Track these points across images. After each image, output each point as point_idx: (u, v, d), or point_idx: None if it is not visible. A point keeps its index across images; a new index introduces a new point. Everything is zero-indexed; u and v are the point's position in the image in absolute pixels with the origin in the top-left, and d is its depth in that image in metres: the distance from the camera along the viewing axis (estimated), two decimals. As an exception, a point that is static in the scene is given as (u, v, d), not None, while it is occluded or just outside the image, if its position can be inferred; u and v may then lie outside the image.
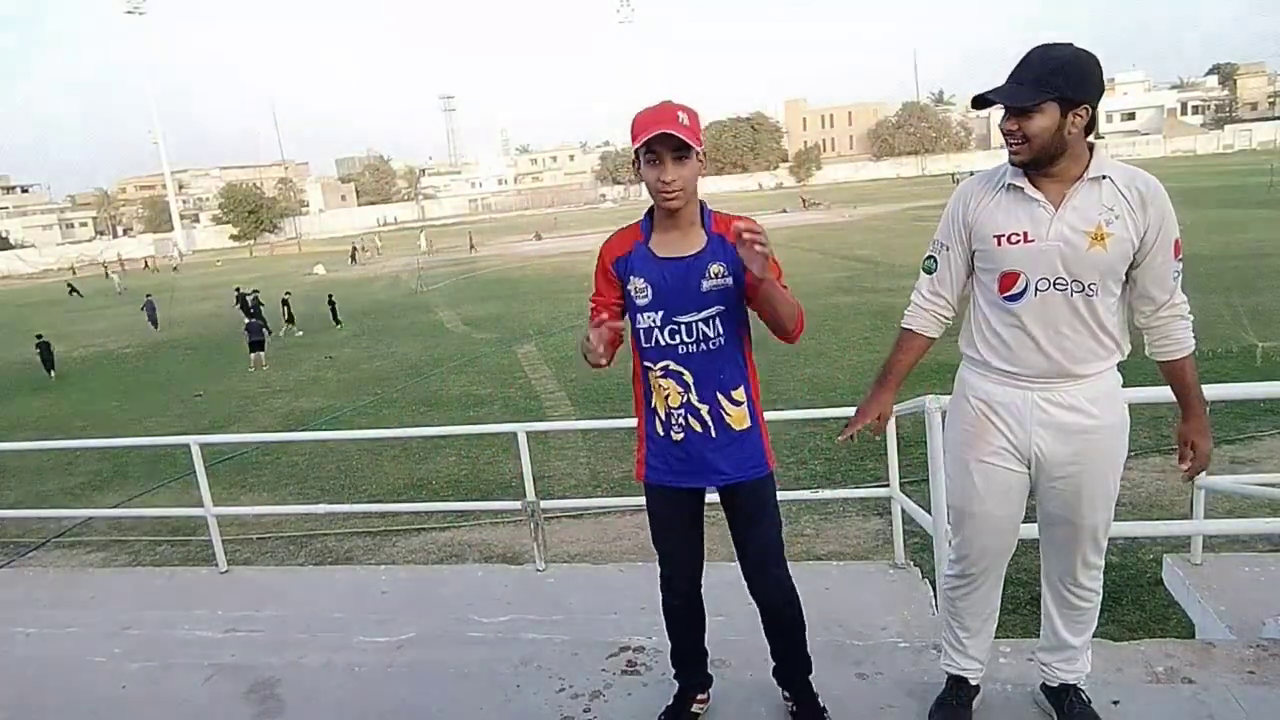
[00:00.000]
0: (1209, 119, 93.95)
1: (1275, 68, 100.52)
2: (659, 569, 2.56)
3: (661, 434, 2.41)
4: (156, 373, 20.27)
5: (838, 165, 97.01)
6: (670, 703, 2.66)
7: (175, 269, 61.44)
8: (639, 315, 2.37)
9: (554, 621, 3.65)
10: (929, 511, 3.25)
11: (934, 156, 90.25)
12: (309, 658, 3.50)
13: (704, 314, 2.31)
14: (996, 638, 2.59)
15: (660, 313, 2.33)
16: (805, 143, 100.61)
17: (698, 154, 2.23)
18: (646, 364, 2.38)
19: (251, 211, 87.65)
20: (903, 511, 4.06)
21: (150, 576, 5.16)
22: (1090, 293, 2.13)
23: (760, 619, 2.51)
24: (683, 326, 2.31)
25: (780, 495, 2.51)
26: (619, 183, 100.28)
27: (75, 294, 31.24)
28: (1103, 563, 2.35)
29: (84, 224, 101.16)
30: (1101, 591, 2.40)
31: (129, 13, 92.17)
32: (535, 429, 4.69)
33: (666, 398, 2.37)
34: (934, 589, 3.38)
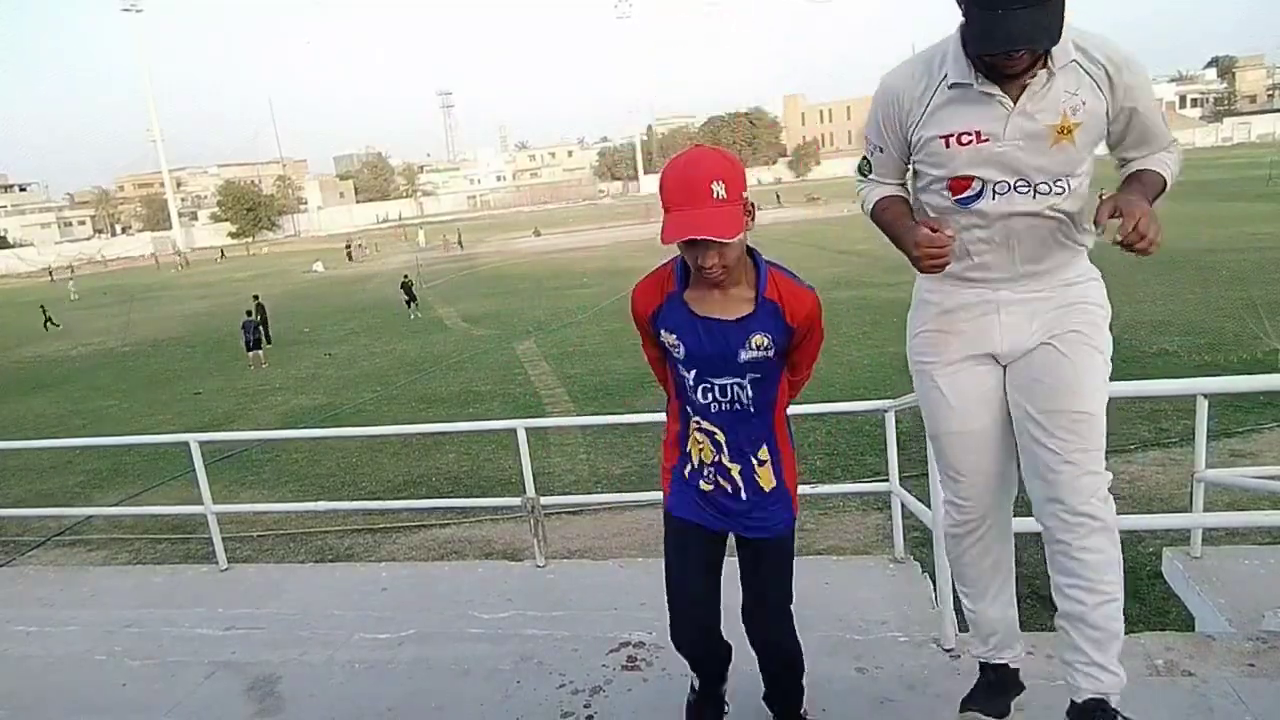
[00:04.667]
0: (1208, 112, 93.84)
1: (1274, 60, 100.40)
2: (669, 615, 2.32)
3: (688, 478, 2.30)
4: (155, 370, 20.27)
5: (836, 160, 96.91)
6: (695, 694, 2.51)
7: (184, 266, 61.29)
8: (676, 366, 2.21)
9: (554, 617, 3.65)
10: (929, 506, 3.24)
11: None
12: (309, 655, 3.50)
13: (738, 379, 2.14)
14: None
15: (694, 371, 2.16)
16: (804, 138, 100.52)
17: (746, 221, 1.95)
18: (685, 411, 2.26)
19: (250, 209, 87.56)
20: (902, 506, 4.06)
21: (150, 574, 5.16)
22: (1058, 191, 1.87)
23: (758, 662, 2.42)
24: (715, 387, 2.16)
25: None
26: (617, 178, 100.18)
27: (50, 324, 29.47)
28: (1106, 479, 1.95)
29: (82, 222, 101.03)
30: (1118, 543, 1.97)
31: (126, 10, 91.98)
32: (535, 425, 4.69)
33: (701, 451, 2.25)
34: (934, 584, 3.38)
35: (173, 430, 13.43)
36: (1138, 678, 2.61)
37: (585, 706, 2.82)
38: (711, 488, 2.25)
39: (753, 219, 1.99)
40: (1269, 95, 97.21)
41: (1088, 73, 1.81)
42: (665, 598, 2.39)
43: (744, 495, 2.24)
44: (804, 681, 2.46)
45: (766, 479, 2.25)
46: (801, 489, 7.12)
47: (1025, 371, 1.99)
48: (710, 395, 2.16)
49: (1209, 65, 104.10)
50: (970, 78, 1.82)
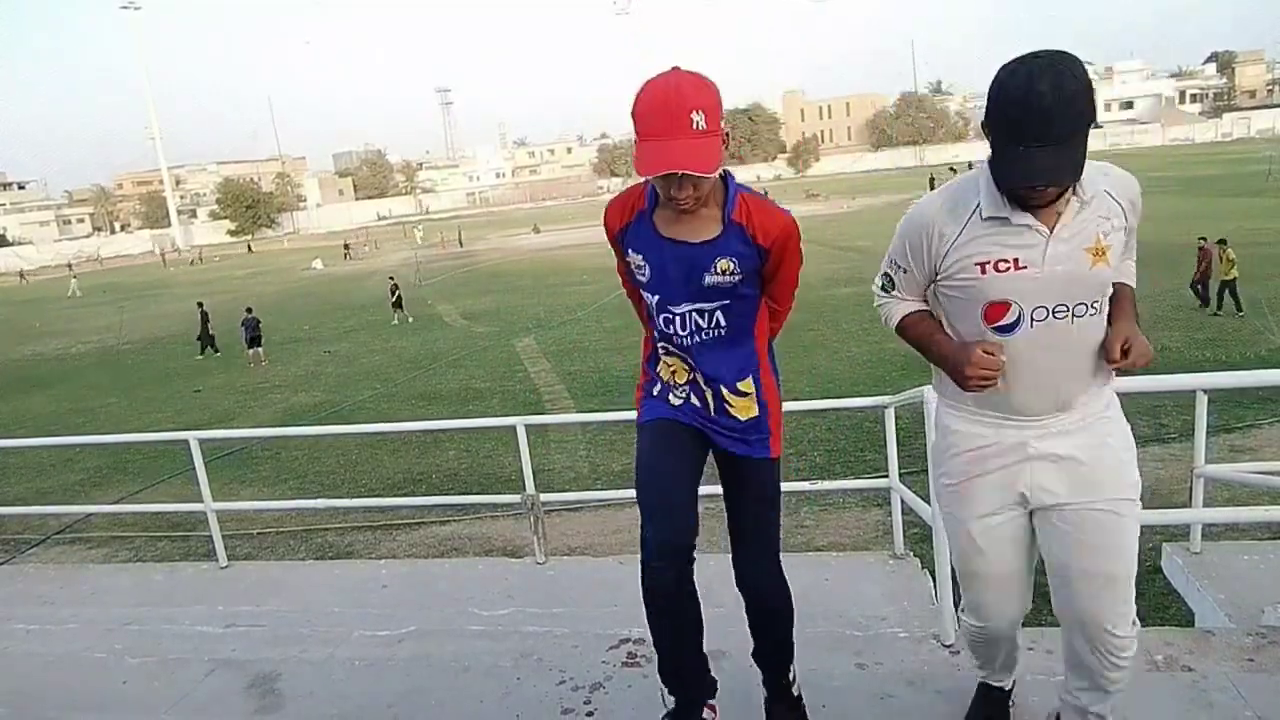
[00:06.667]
0: (1207, 107, 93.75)
1: (1274, 55, 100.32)
2: (641, 539, 2.10)
3: (657, 393, 2.22)
4: (155, 368, 20.26)
5: (836, 156, 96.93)
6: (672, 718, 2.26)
7: (192, 263, 61.25)
8: (641, 291, 2.14)
9: (554, 614, 3.65)
10: (928, 502, 3.24)
11: (932, 147, 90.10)
12: (309, 652, 3.51)
13: (699, 305, 2.04)
14: None
15: (656, 297, 2.08)
16: (803, 134, 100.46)
17: (722, 152, 1.89)
18: (654, 337, 2.19)
19: (249, 206, 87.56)
20: (902, 502, 4.06)
21: (150, 572, 5.15)
22: (1093, 313, 1.88)
23: (745, 611, 2.32)
24: (676, 316, 2.06)
25: (781, 487, 2.43)
26: (617, 175, 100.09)
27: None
28: (1137, 630, 1.99)
29: (81, 220, 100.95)
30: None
31: (125, 8, 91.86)
32: (534, 422, 4.69)
33: (674, 373, 2.17)
34: (934, 579, 3.38)
35: (172, 428, 13.44)
36: (1137, 673, 2.60)
37: (585, 703, 2.82)
38: (681, 401, 2.18)
39: (728, 148, 1.92)
40: (1269, 90, 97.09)
41: (1117, 202, 1.87)
42: None
43: (713, 413, 2.15)
44: (796, 672, 2.45)
45: (744, 410, 2.14)
46: (801, 485, 7.04)
47: (1059, 527, 2.00)
48: (672, 325, 2.08)
49: (1208, 60, 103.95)
50: (1006, 210, 1.83)
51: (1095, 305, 1.89)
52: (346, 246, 51.44)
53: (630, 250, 2.09)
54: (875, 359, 13.27)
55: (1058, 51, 1.70)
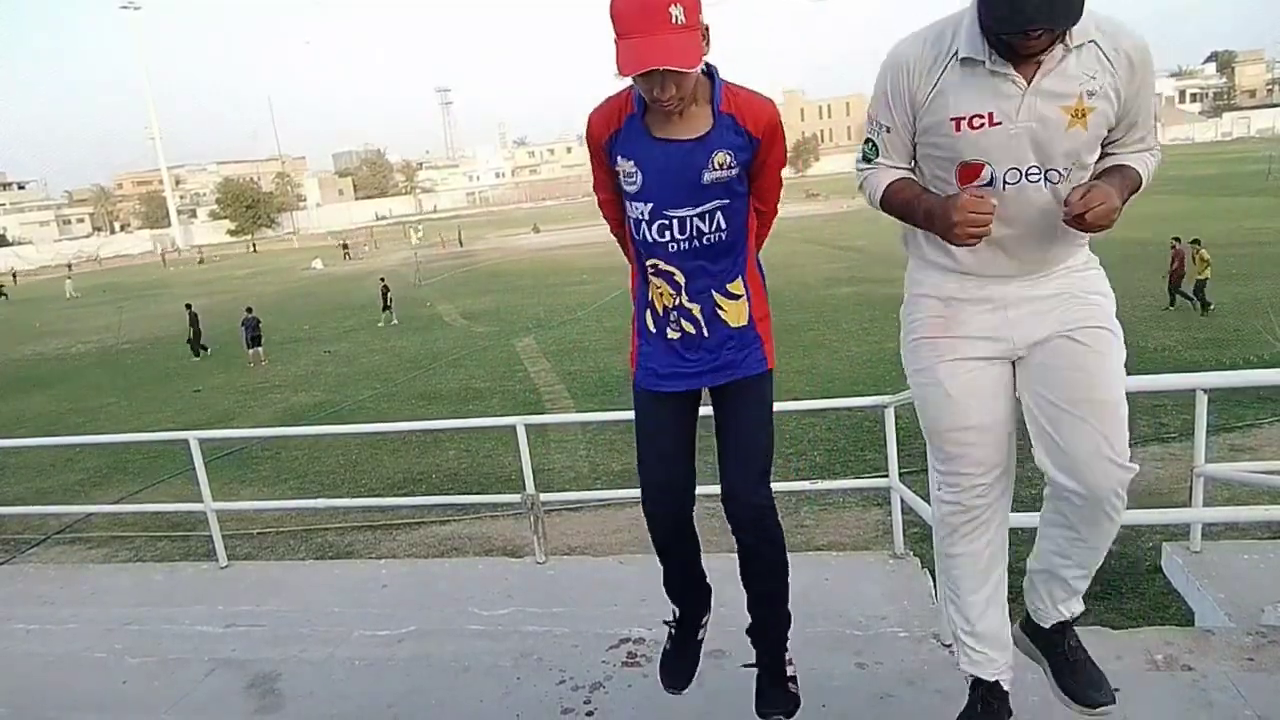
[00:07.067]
0: (1207, 107, 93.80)
1: (1274, 55, 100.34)
2: (640, 485, 2.18)
3: (654, 331, 2.16)
4: (155, 368, 20.26)
5: (836, 156, 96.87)
6: (673, 632, 2.37)
7: (201, 261, 61.33)
8: (628, 204, 2.05)
9: (554, 614, 3.65)
10: (928, 502, 3.24)
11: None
12: (309, 652, 3.51)
13: (700, 209, 1.98)
14: None
15: (650, 205, 1.99)
16: (803, 134, 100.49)
17: (704, 47, 1.84)
18: (639, 254, 2.12)
19: (249, 206, 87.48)
20: (902, 502, 4.06)
21: (150, 572, 5.16)
22: (1066, 179, 1.79)
23: (737, 557, 2.25)
24: (674, 221, 1.99)
25: (780, 486, 2.41)
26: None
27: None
28: (1131, 471, 1.86)
29: (81, 220, 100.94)
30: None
31: (124, 8, 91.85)
32: (534, 422, 4.69)
33: (660, 296, 2.11)
34: (933, 579, 3.38)
35: (172, 428, 13.43)
36: (1137, 672, 2.61)
37: (585, 703, 2.82)
38: (678, 335, 2.11)
39: (709, 44, 1.87)
40: (1268, 90, 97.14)
41: (1108, 58, 1.74)
42: (662, 585, 2.36)
43: (707, 333, 2.09)
44: (796, 670, 2.39)
45: (736, 315, 2.09)
46: (801, 485, 7.05)
47: (1044, 362, 1.91)
48: (668, 233, 2.01)
49: (1208, 60, 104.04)
50: (983, 54, 1.73)
51: (1066, 171, 1.79)
52: (345, 246, 51.49)
53: (620, 157, 2.01)
54: (875, 358, 13.26)
55: None
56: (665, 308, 2.11)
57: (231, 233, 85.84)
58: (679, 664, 2.40)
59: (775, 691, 2.32)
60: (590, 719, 2.74)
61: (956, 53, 1.76)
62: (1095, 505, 1.88)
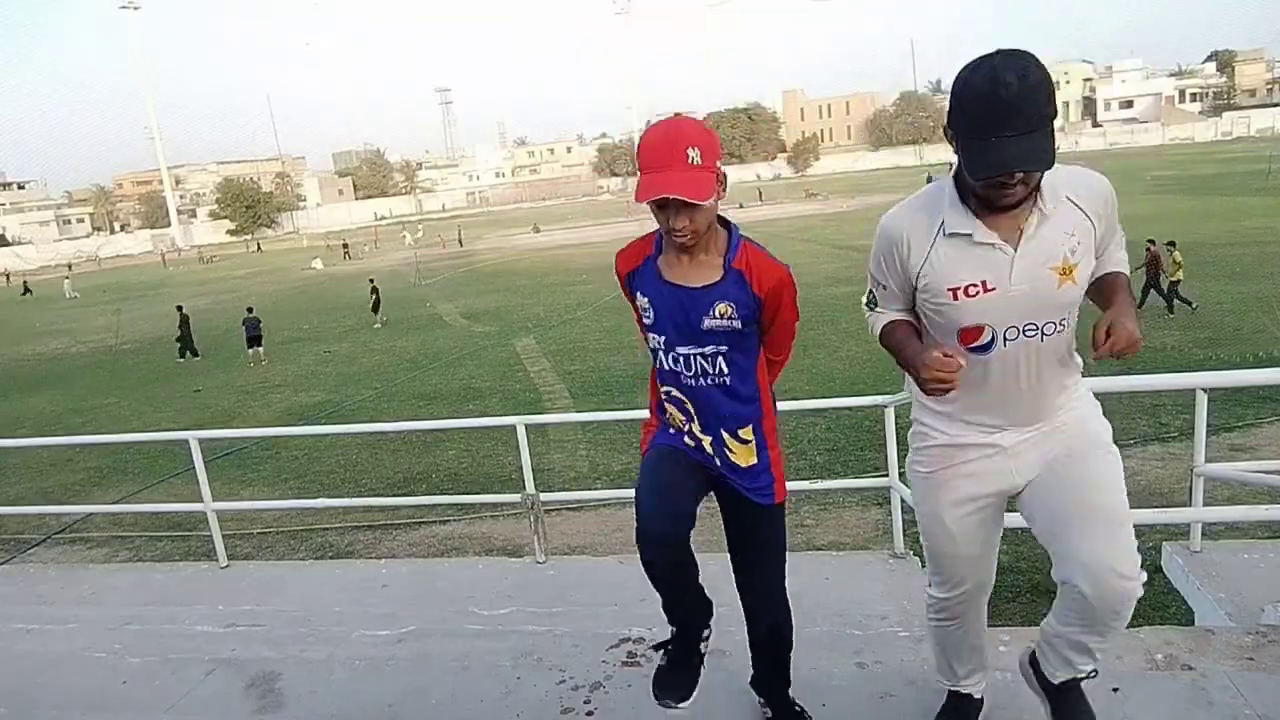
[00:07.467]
0: (1207, 106, 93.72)
1: (1274, 54, 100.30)
2: (635, 515, 2.13)
3: (666, 432, 2.32)
4: (154, 368, 20.26)
5: (836, 156, 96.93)
6: (672, 647, 2.40)
7: (211, 260, 61.37)
8: (648, 334, 2.23)
9: (554, 614, 3.65)
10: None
11: (932, 146, 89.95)
12: (310, 651, 3.51)
13: (702, 350, 2.13)
14: (994, 625, 2.58)
15: (662, 337, 2.17)
16: (803, 133, 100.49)
17: (717, 189, 2.00)
18: (658, 379, 2.28)
19: (249, 206, 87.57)
20: (902, 501, 4.06)
21: (150, 572, 5.16)
22: (1061, 329, 1.92)
23: (747, 634, 2.41)
24: (683, 358, 2.16)
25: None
26: (616, 174, 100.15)
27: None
28: (1142, 579, 1.89)
29: (81, 220, 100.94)
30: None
31: (123, 8, 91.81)
32: (534, 422, 4.69)
33: (673, 419, 2.27)
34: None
35: (172, 428, 13.44)
36: (1137, 671, 2.61)
37: (585, 703, 2.82)
38: (693, 445, 2.25)
39: (724, 188, 2.02)
40: (1268, 89, 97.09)
41: (1082, 211, 1.86)
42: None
43: (718, 462, 2.23)
44: (795, 669, 2.46)
45: (744, 457, 2.23)
46: (801, 484, 7.08)
47: (1044, 481, 2.01)
48: (679, 364, 2.17)
49: (1208, 59, 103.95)
50: (970, 226, 1.85)
51: (1064, 323, 1.92)
52: (345, 246, 51.54)
53: (638, 294, 2.21)
54: (875, 358, 13.24)
55: (1015, 49, 1.71)
56: (678, 430, 2.27)
57: (231, 233, 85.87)
58: (679, 676, 2.37)
59: None
60: (590, 719, 2.74)
61: (944, 227, 1.88)
62: (1105, 609, 1.90)
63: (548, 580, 4.13)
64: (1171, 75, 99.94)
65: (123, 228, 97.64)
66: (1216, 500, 5.69)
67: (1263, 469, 4.21)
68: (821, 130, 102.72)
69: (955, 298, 1.89)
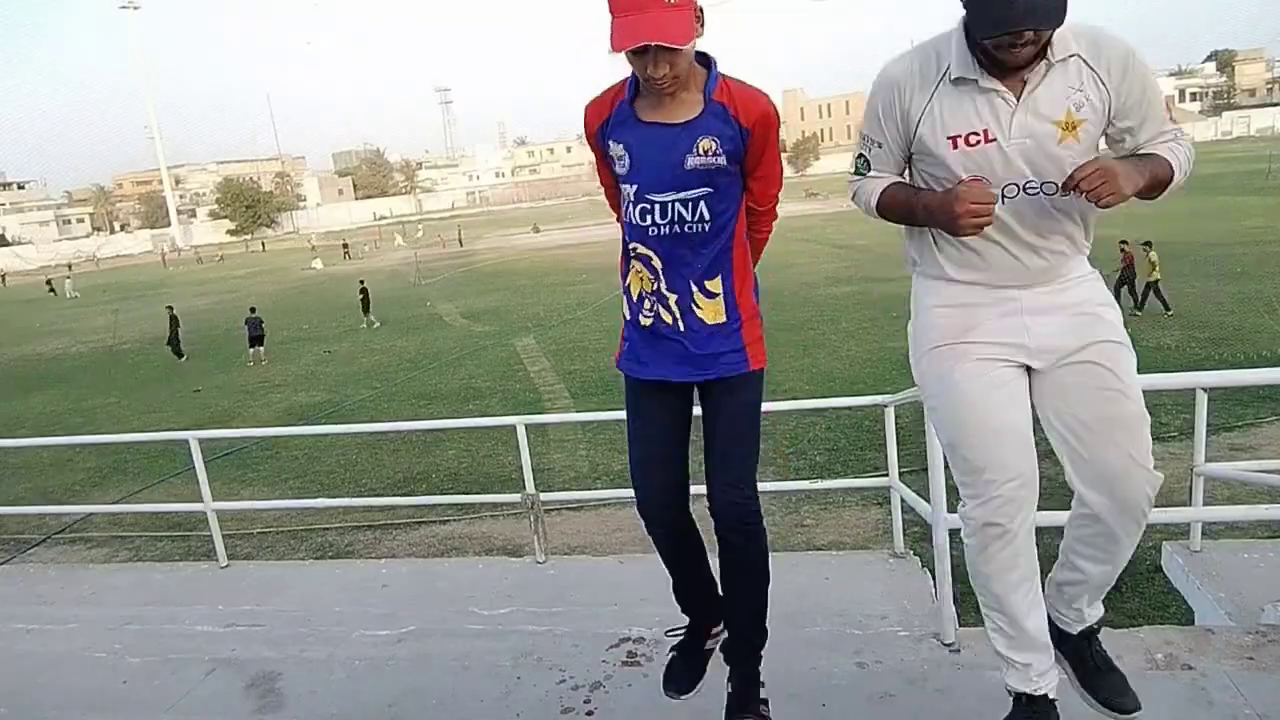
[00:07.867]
0: (1207, 106, 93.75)
1: (1274, 54, 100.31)
2: (634, 488, 2.18)
3: (630, 317, 2.17)
4: (154, 368, 20.26)
5: (836, 155, 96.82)
6: (682, 636, 2.39)
7: (221, 259, 61.52)
8: (620, 187, 2.08)
9: (554, 613, 3.65)
10: (928, 501, 3.24)
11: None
12: (310, 651, 3.51)
13: (683, 195, 1.98)
14: None
15: (635, 187, 2.01)
16: (803, 133, 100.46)
17: (697, 27, 1.86)
18: (625, 239, 2.12)
19: (249, 206, 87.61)
20: (902, 501, 4.06)
21: (150, 572, 5.16)
22: (1064, 191, 1.81)
23: (719, 561, 2.23)
24: (655, 205, 1.99)
25: (780, 486, 2.42)
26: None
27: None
28: (1159, 479, 1.89)
29: (81, 220, 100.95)
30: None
31: (123, 8, 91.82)
32: (534, 422, 4.69)
33: (639, 280, 2.11)
34: (933, 578, 3.38)
35: (172, 428, 13.43)
36: (1137, 671, 2.61)
37: (585, 702, 2.82)
38: (650, 321, 2.10)
39: (703, 26, 1.89)
40: (1268, 89, 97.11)
41: (1092, 69, 1.77)
42: (666, 588, 2.36)
43: (682, 326, 2.07)
44: (795, 669, 2.43)
45: (712, 313, 2.07)
46: (801, 484, 7.04)
47: (1066, 382, 1.91)
48: (650, 216, 2.01)
49: (1208, 59, 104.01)
50: (974, 72, 1.78)
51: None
52: (345, 246, 51.59)
53: (611, 142, 2.04)
54: (875, 358, 13.26)
55: None
56: (642, 293, 2.12)
57: (231, 232, 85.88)
58: (684, 667, 2.39)
59: (745, 717, 2.24)
60: (590, 719, 2.74)
61: (948, 72, 1.81)
62: (1127, 514, 1.91)
63: (548, 580, 4.12)
64: (1171, 75, 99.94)
65: (123, 228, 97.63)
66: (1216, 500, 5.70)
67: (1263, 469, 4.22)
68: (821, 130, 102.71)
69: (954, 146, 1.82)
